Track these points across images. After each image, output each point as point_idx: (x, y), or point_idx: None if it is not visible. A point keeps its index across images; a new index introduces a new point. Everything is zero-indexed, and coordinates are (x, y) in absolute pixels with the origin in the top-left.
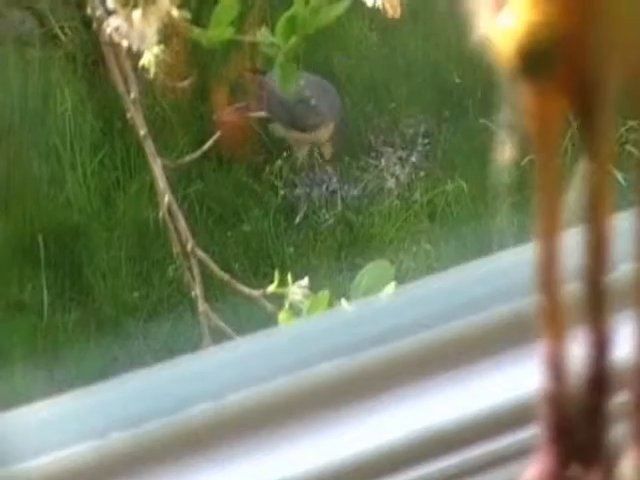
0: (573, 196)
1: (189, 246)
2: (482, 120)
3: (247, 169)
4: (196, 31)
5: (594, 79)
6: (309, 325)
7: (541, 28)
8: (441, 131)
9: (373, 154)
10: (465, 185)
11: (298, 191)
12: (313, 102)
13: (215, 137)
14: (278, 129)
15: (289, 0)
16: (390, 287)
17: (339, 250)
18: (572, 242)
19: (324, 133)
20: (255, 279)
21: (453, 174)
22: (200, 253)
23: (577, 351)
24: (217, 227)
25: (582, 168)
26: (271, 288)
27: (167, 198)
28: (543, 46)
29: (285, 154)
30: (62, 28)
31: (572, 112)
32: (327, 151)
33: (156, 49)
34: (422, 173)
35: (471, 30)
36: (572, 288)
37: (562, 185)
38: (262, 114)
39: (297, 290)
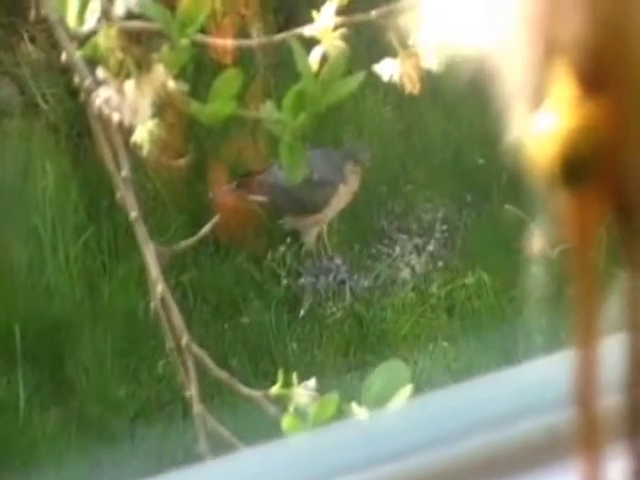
0: (613, 305)
1: (184, 341)
2: (507, 206)
3: (247, 255)
4: (194, 105)
5: (635, 185)
6: (317, 437)
7: (583, 134)
8: (462, 217)
9: (386, 241)
10: (487, 278)
11: (303, 281)
12: (316, 176)
13: (213, 221)
14: (289, 222)
15: (294, 71)
16: (405, 390)
17: (347, 347)
18: (612, 352)
19: (336, 204)
20: (255, 377)
21: (474, 265)
22: (196, 349)
23: (616, 471)
24: (213, 319)
25: (622, 278)
26: (274, 389)
27: (160, 288)
28: (585, 152)
29: (289, 240)
30: (44, 96)
31: (612, 219)
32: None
33: (150, 124)
34: (440, 263)
35: (504, 128)
36: (611, 402)
37: (601, 292)
38: (262, 199)
39: (303, 392)
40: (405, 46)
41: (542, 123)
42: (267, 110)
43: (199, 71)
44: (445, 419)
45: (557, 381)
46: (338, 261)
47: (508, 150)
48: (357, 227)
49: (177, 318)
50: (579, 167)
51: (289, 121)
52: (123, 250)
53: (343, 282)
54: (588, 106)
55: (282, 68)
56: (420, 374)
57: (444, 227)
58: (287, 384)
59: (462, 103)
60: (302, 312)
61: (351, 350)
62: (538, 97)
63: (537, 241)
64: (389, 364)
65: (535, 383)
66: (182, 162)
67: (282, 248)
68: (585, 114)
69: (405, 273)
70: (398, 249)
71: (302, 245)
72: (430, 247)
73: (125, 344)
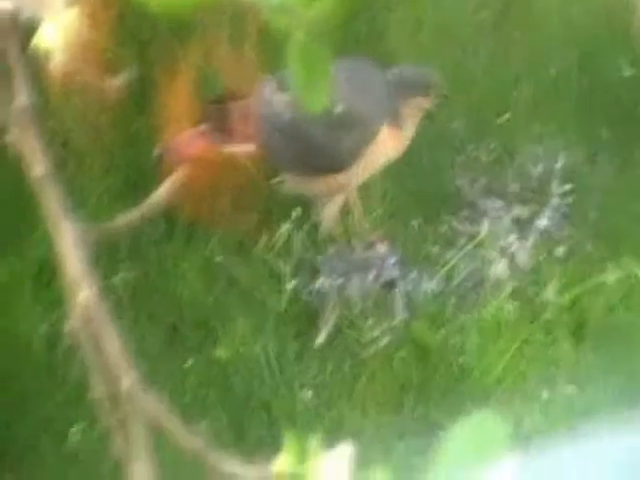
0: None
1: (126, 383)
2: None
3: (223, 241)
4: None
5: None
6: None
7: None
8: (595, 169)
9: (466, 212)
10: None
11: (322, 283)
12: (341, 108)
13: (168, 183)
14: (289, 182)
15: None
16: (502, 462)
17: (400, 395)
18: None
19: (375, 158)
20: (238, 446)
21: (618, 252)
22: (147, 397)
23: None
24: (169, 348)
25: None
26: (280, 461)
27: (86, 293)
28: None
29: (295, 213)
30: None
31: None
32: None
33: (65, 17)
34: (559, 249)
35: None
36: None
37: None
38: (250, 148)
39: (329, 465)
40: None
41: None
42: None
43: None
44: None
45: None
46: (383, 248)
47: None
48: (416, 189)
49: (113, 344)
50: None
51: (301, 9)
52: (7, 237)
53: (392, 284)
54: None
55: None
56: (527, 439)
57: (566, 187)
58: (300, 452)
59: None
60: (320, 338)
61: (406, 401)
62: None
63: None
64: (474, 420)
65: None
66: (116, 82)
67: (285, 226)
68: None
69: (500, 267)
70: (487, 225)
71: (319, 222)
72: (542, 221)
73: (6, 398)
